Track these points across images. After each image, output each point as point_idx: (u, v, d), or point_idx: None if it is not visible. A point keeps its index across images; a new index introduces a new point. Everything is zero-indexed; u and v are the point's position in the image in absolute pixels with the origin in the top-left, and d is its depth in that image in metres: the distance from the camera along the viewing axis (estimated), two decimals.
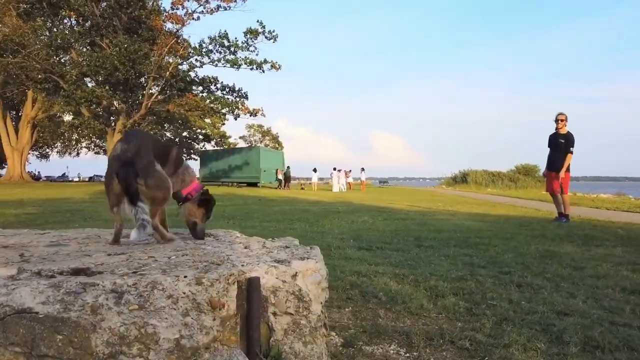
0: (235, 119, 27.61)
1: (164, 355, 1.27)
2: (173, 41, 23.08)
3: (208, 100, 27.23)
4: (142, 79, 24.26)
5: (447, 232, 5.98)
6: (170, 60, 24.07)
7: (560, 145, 7.64)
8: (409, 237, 5.47)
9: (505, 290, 3.03)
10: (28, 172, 38.17)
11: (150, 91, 24.37)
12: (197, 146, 45.93)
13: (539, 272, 3.57)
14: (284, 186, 29.89)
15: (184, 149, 44.73)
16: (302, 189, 32.03)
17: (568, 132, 7.70)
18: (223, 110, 27.49)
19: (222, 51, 24.86)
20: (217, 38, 24.40)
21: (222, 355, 1.37)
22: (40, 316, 1.20)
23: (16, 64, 22.56)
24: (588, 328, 2.26)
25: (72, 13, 22.34)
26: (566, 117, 7.73)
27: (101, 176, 53.09)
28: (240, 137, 64.40)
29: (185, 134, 42.57)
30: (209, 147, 44.65)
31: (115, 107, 24.77)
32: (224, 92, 26.80)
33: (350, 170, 33.43)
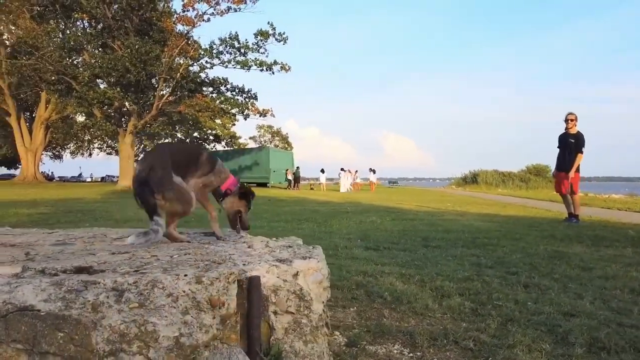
0: (245, 119, 27.72)
1: (163, 353, 1.28)
2: (184, 43, 23.22)
3: (218, 101, 27.37)
4: (153, 80, 24.45)
5: (455, 232, 5.95)
6: (181, 62, 24.20)
7: (571, 145, 7.56)
8: (416, 237, 5.45)
9: (512, 290, 3.00)
10: (41, 172, 38.64)
11: (161, 92, 24.52)
12: (207, 147, 46.18)
13: (547, 272, 3.53)
14: (294, 186, 29.94)
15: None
16: (312, 189, 32.05)
17: (578, 132, 7.61)
18: (233, 111, 27.61)
19: (232, 52, 24.98)
20: (227, 39, 24.52)
21: (222, 354, 1.38)
22: (42, 314, 1.22)
23: (30, 66, 22.84)
24: (594, 329, 2.24)
25: (84, 15, 22.58)
26: (576, 117, 7.65)
27: (113, 176, 53.64)
28: (250, 138, 64.64)
29: (195, 134, 42.75)
30: (219, 147, 44.87)
31: (127, 108, 24.98)
32: (234, 93, 26.94)
33: (356, 171, 33.43)
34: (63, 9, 22.85)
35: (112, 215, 7.73)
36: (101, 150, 44.84)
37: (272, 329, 1.56)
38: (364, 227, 6.62)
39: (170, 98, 24.92)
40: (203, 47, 24.93)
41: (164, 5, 24.68)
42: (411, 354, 2.01)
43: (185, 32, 24.34)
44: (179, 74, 22.95)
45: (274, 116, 28.13)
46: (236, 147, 43.55)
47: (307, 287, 1.67)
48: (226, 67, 25.26)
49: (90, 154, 48.12)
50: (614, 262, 3.97)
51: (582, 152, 7.48)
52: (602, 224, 7.22)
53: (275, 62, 25.00)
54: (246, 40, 24.60)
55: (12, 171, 51.82)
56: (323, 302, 1.75)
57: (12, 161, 45.13)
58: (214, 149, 44.17)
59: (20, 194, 15.37)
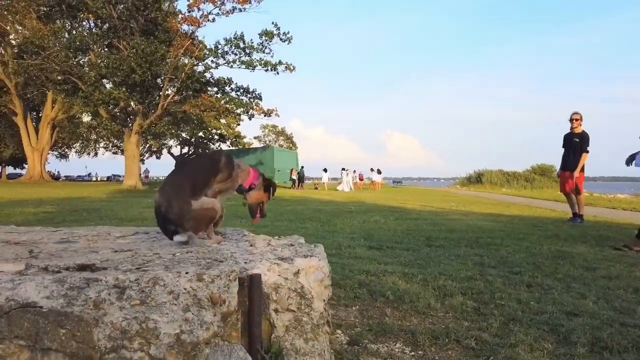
0: (250, 119, 27.81)
1: (164, 350, 1.29)
2: (189, 43, 23.30)
3: (223, 101, 27.46)
4: (159, 80, 24.56)
5: (459, 232, 5.94)
6: (186, 62, 24.30)
7: (575, 144, 7.54)
8: (420, 236, 5.45)
9: (515, 290, 3.00)
10: (48, 171, 38.88)
11: (167, 92, 24.64)
12: (212, 146, 46.30)
13: (550, 272, 3.53)
14: (298, 186, 29.98)
15: (200, 149, 45.14)
16: (316, 188, 32.07)
17: (583, 131, 7.59)
18: (238, 111, 27.71)
19: (237, 52, 25.04)
20: (232, 39, 24.59)
21: (223, 351, 1.39)
22: (44, 310, 1.23)
23: (36, 66, 23.00)
24: (597, 329, 2.23)
25: (90, 15, 22.74)
26: (581, 117, 7.62)
27: (119, 176, 53.89)
28: (254, 137, 64.74)
29: (200, 134, 42.90)
30: (224, 147, 44.97)
31: (132, 108, 25.11)
32: (239, 94, 27.01)
33: (354, 171, 33.50)
34: (69, 9, 23.02)
35: (117, 214, 7.76)
36: (107, 150, 45.09)
37: (273, 326, 1.57)
38: (368, 227, 6.62)
39: (176, 98, 25.03)
40: (208, 47, 25.03)
41: (169, 6, 24.79)
42: (413, 353, 2.02)
43: (191, 32, 24.41)
44: (184, 74, 23.04)
45: (278, 116, 28.23)
46: (241, 147, 43.66)
47: (308, 285, 1.68)
48: (231, 67, 25.34)
49: (96, 154, 48.41)
50: (618, 262, 3.95)
51: (587, 152, 7.45)
52: (607, 224, 7.19)
53: (280, 62, 25.07)
54: (251, 40, 24.69)
55: (18, 170, 52.19)
56: (324, 300, 1.75)
57: (19, 160, 45.46)
58: (219, 148, 44.26)
59: (26, 193, 15.48)
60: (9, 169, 52.36)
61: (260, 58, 25.00)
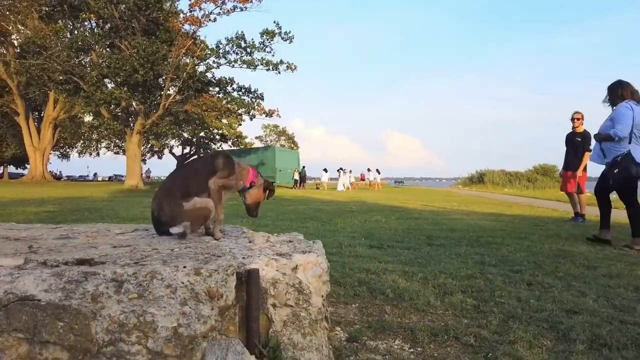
0: (251, 119, 27.77)
1: (162, 343, 1.29)
2: (190, 42, 23.30)
3: (225, 101, 27.45)
4: (160, 80, 24.57)
5: (460, 231, 5.93)
6: (188, 61, 24.30)
7: (577, 144, 7.53)
8: (421, 235, 5.45)
9: (515, 288, 3.00)
10: (49, 171, 38.94)
11: (168, 92, 24.65)
12: (214, 146, 46.33)
13: (551, 271, 3.52)
14: (299, 186, 29.98)
15: (201, 149, 45.20)
16: (317, 188, 32.07)
17: (585, 130, 7.57)
18: (239, 111, 27.67)
19: (238, 52, 25.02)
20: (233, 39, 24.57)
21: (220, 345, 1.39)
22: (43, 303, 1.24)
23: (38, 66, 23.02)
24: (596, 326, 2.23)
25: (92, 15, 22.74)
26: (582, 116, 7.61)
27: (121, 175, 53.93)
28: (256, 137, 64.69)
29: (202, 134, 42.92)
30: (225, 147, 45.00)
31: (134, 107, 25.13)
32: (240, 93, 27.00)
33: (350, 171, 33.56)
34: (71, 9, 23.04)
35: (118, 214, 7.78)
36: (108, 150, 45.11)
37: (271, 321, 1.57)
38: (369, 226, 6.62)
39: (177, 98, 25.03)
40: (209, 46, 25.02)
41: (170, 5, 24.80)
42: (412, 349, 2.02)
43: (192, 31, 24.42)
44: (185, 74, 23.05)
45: (279, 116, 28.19)
46: (242, 147, 43.67)
47: (307, 281, 1.68)
48: (232, 66, 25.32)
49: (98, 154, 48.44)
50: (619, 260, 3.95)
51: (589, 151, 7.44)
52: None
53: (281, 62, 25.03)
54: (252, 39, 24.66)
55: (20, 170, 52.27)
56: (322, 296, 1.75)
57: (21, 160, 45.51)
58: (220, 149, 44.29)
59: (28, 193, 15.51)
60: (11, 169, 52.44)
61: (262, 57, 24.98)
